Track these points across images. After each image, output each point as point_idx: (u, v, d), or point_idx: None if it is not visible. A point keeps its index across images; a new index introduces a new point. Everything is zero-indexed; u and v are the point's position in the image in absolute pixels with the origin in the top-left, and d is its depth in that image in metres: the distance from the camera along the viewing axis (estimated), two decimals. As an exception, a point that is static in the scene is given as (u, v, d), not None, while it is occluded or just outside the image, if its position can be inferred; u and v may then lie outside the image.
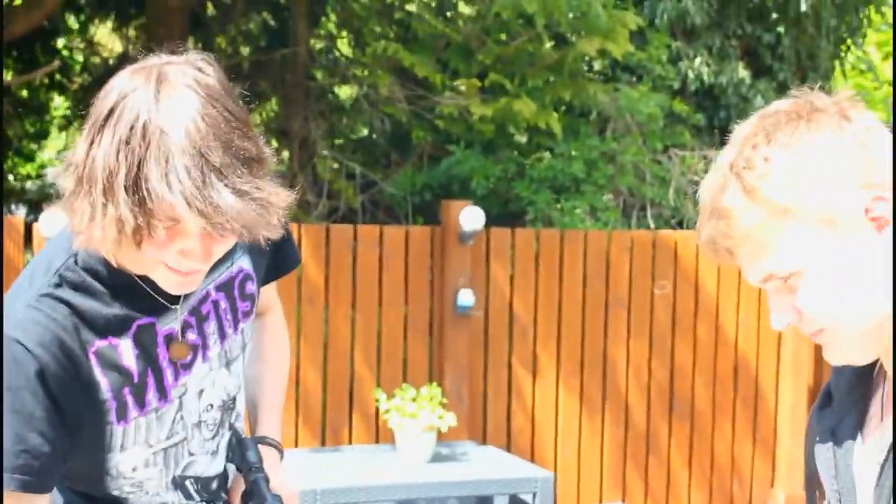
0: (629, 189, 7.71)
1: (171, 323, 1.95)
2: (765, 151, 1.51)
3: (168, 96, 1.70)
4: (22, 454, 1.80)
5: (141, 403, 1.92)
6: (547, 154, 7.84)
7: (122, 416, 1.90)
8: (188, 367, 1.98)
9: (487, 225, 5.73)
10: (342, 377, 5.57)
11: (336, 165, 7.83)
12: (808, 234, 1.50)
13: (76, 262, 1.88)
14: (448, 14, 8.24)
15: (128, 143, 1.67)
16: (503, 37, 7.75)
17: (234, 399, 2.10)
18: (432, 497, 4.95)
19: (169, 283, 1.84)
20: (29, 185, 10.68)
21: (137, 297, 1.90)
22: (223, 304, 2.04)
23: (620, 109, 7.75)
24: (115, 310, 1.89)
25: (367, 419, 5.58)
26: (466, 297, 5.61)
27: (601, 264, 6.04)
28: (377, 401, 5.13)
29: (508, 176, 7.50)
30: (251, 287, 2.10)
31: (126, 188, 1.66)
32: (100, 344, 1.87)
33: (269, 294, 2.33)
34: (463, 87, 7.18)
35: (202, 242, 1.74)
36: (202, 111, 1.69)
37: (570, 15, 7.36)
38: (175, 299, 1.94)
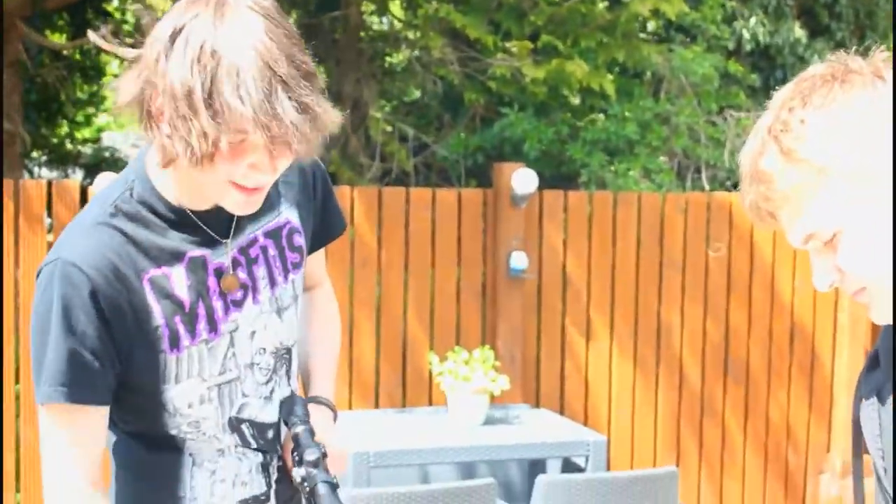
0: (684, 151, 7.64)
1: (221, 257, 2.01)
2: (800, 114, 1.55)
3: (231, 17, 1.78)
4: (70, 369, 1.90)
5: (192, 332, 1.98)
6: (600, 116, 7.78)
7: (175, 344, 1.97)
8: (238, 304, 2.03)
9: (540, 187, 5.70)
10: (395, 340, 5.58)
11: (389, 128, 7.81)
12: (845, 192, 1.52)
13: (132, 195, 1.97)
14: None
15: (199, 61, 1.75)
16: (556, -3, 7.68)
17: (287, 349, 2.13)
18: (485, 460, 4.95)
19: (235, 204, 1.90)
20: (85, 149, 10.76)
21: (190, 230, 1.98)
22: (272, 251, 2.09)
23: (674, 70, 7.67)
24: (169, 241, 1.96)
25: (420, 382, 5.59)
26: (519, 260, 5.58)
27: (655, 227, 5.99)
28: (430, 364, 5.13)
29: (561, 138, 7.45)
30: (298, 240, 2.15)
31: (204, 103, 1.75)
32: (153, 272, 1.95)
33: (318, 268, 2.36)
34: (515, 49, 7.12)
35: (269, 155, 1.81)
36: (265, 28, 1.78)
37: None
38: (225, 234, 2.02)
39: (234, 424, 2.06)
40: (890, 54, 1.58)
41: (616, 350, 5.91)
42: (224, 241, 2.01)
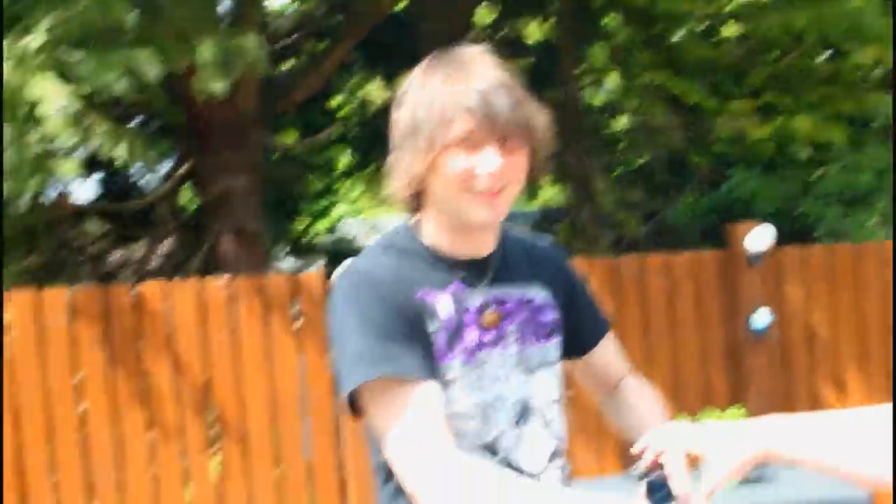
0: (923, 196, 7.42)
1: (472, 300, 2.12)
2: None
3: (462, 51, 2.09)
4: (380, 349, 2.00)
5: (452, 350, 2.08)
6: (830, 169, 7.65)
7: (448, 350, 2.08)
8: (486, 346, 2.12)
9: (776, 244, 5.64)
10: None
11: (615, 198, 7.85)
12: None
13: (396, 237, 2.17)
14: (714, 38, 8.16)
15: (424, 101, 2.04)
16: (774, 54, 7.62)
17: (536, 409, 2.18)
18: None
19: (479, 210, 2.05)
20: (324, 239, 11.15)
21: (447, 270, 2.13)
22: (524, 315, 2.19)
23: (903, 116, 7.48)
24: (435, 273, 2.12)
25: (670, 447, 5.54)
26: (762, 319, 5.52)
27: (902, 275, 5.82)
28: (681, 427, 5.09)
29: (792, 194, 7.36)
30: (550, 313, 2.24)
31: (424, 113, 2.01)
32: (426, 290, 2.10)
33: (614, 360, 2.48)
34: (738, 110, 7.08)
35: (499, 153, 2.01)
36: (492, 58, 2.07)
37: (842, 25, 7.17)
38: (479, 280, 2.15)
39: (490, 453, 2.11)
40: None
41: (873, 404, 5.74)
42: (479, 285, 2.13)
